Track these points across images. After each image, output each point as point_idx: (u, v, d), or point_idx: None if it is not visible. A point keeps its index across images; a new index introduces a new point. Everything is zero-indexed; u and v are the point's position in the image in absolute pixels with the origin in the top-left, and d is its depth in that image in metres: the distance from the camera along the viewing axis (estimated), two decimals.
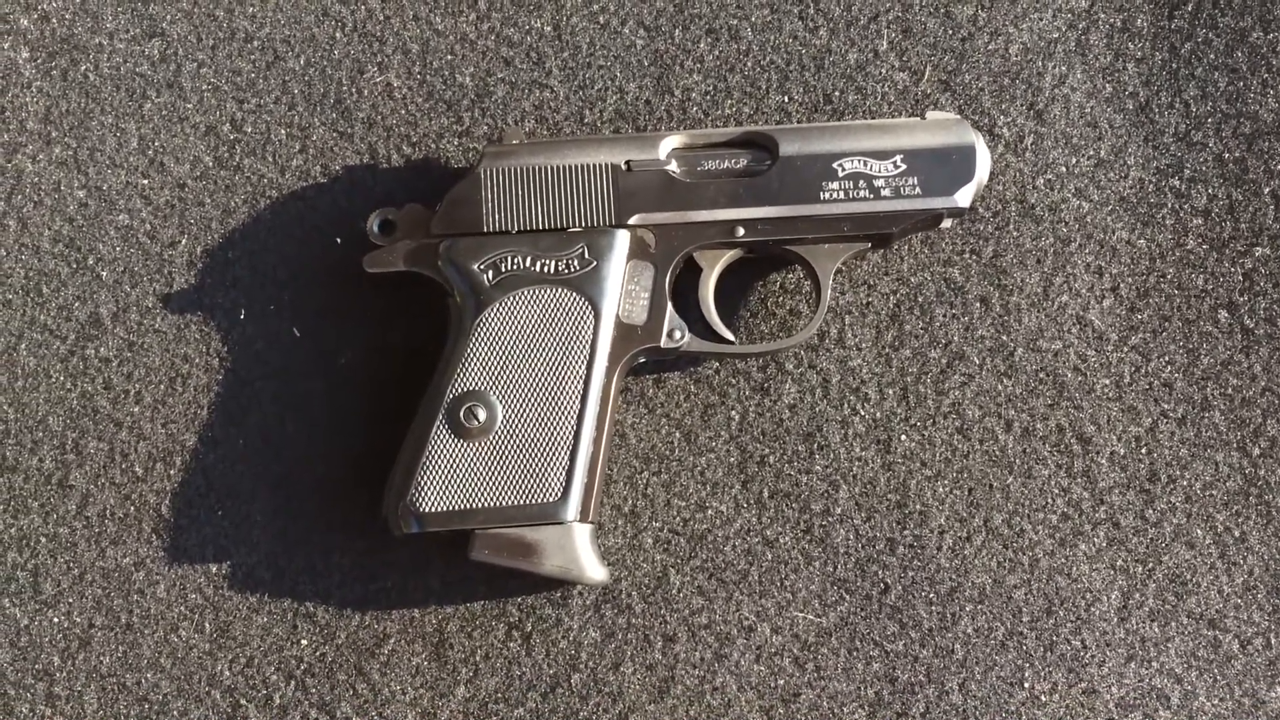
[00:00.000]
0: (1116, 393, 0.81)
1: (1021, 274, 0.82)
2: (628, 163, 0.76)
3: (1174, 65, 0.84)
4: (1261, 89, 0.84)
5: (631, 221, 0.75)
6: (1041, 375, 0.81)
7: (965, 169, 0.76)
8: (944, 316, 0.82)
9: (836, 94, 0.84)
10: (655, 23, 0.84)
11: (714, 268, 0.77)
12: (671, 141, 0.76)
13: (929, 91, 0.84)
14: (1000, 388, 0.81)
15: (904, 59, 0.84)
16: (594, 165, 0.75)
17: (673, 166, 0.76)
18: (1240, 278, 0.83)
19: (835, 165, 0.75)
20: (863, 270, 0.82)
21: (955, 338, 0.82)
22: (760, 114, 0.83)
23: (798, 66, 0.84)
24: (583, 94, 0.83)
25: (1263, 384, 0.82)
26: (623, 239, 0.75)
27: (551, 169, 0.75)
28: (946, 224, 0.78)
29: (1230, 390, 0.82)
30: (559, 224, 0.75)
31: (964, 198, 0.76)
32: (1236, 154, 0.83)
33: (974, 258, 0.83)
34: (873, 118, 0.83)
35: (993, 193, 0.83)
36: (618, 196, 0.75)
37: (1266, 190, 0.83)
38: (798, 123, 0.83)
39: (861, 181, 0.75)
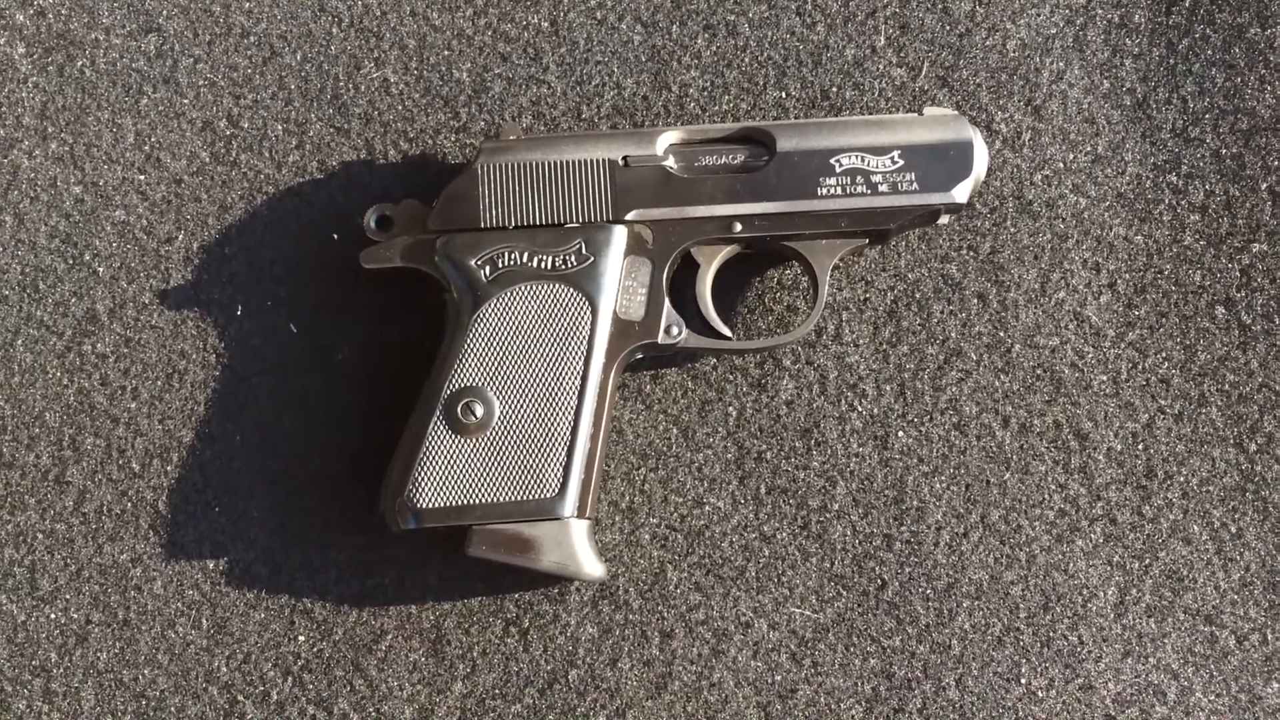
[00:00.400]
0: (1114, 389, 0.81)
1: (1019, 270, 0.82)
2: (625, 158, 0.75)
3: (1171, 61, 0.84)
4: (1259, 85, 0.84)
5: (629, 217, 0.75)
6: (1039, 371, 0.81)
7: (963, 165, 0.75)
8: (941, 313, 0.82)
9: (834, 90, 0.83)
10: (653, 19, 0.84)
11: (711, 263, 0.77)
12: (669, 137, 0.76)
13: (927, 87, 0.84)
14: (997, 384, 0.81)
15: (902, 55, 0.84)
16: (591, 161, 0.75)
17: (670, 162, 0.76)
18: (1237, 274, 0.83)
19: (833, 161, 0.75)
20: (860, 266, 0.82)
21: (952, 334, 0.82)
22: (758, 110, 0.83)
23: (795, 62, 0.84)
24: (580, 90, 0.83)
25: (1259, 380, 0.82)
26: (620, 234, 0.75)
27: (549, 165, 0.75)
28: (944, 220, 0.78)
29: (1227, 386, 0.82)
30: (556, 219, 0.75)
31: (961, 193, 0.76)
32: (1234, 150, 0.83)
33: (971, 254, 0.82)
34: (870, 114, 0.83)
35: (990, 189, 0.83)
36: (615, 192, 0.75)
37: (1264, 186, 0.83)
38: (795, 118, 0.83)
39: (859, 177, 0.75)
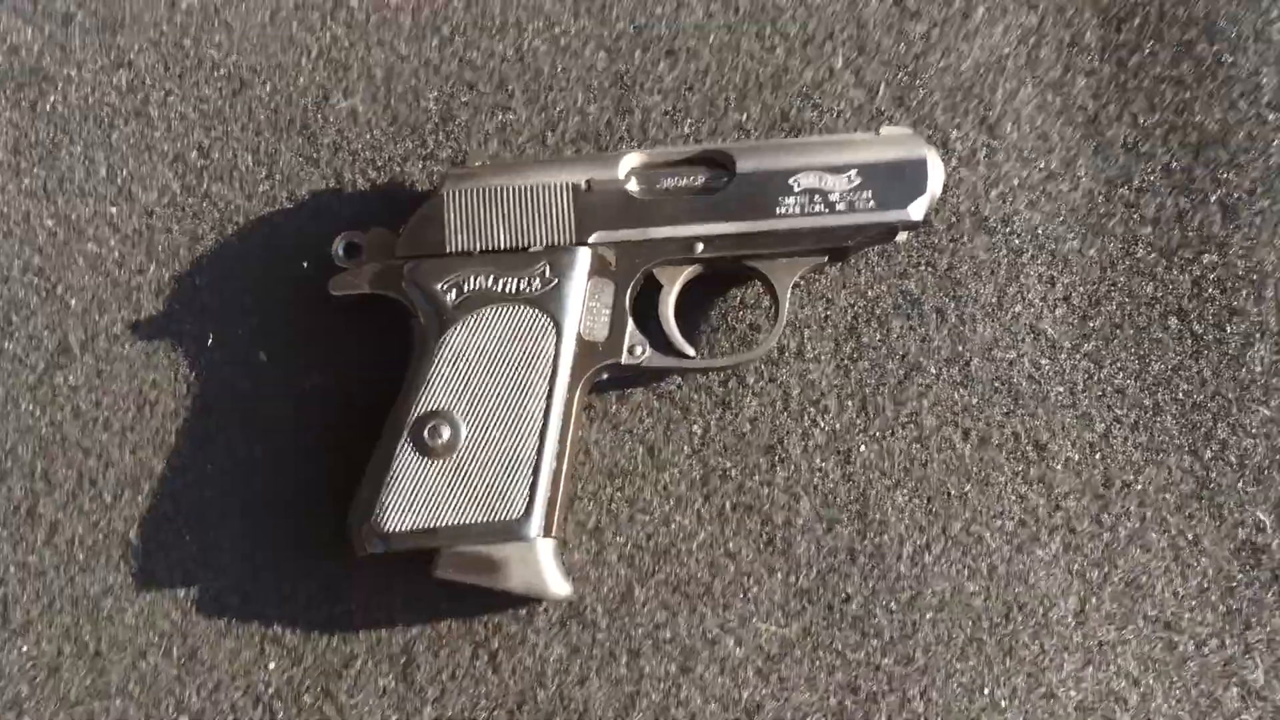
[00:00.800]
0: (1070, 400, 0.82)
1: (976, 285, 0.83)
2: (588, 182, 0.76)
3: (1122, 78, 0.86)
4: (1208, 99, 0.85)
5: (592, 239, 0.76)
6: (997, 384, 0.82)
7: (918, 182, 0.77)
8: (901, 328, 0.83)
9: (793, 111, 0.85)
10: (615, 45, 0.85)
11: (674, 284, 0.78)
12: (631, 160, 0.77)
13: (883, 108, 0.85)
14: (957, 397, 0.82)
15: (859, 76, 0.85)
16: (554, 185, 0.76)
17: (632, 185, 0.77)
18: (1189, 285, 0.84)
19: (791, 181, 0.76)
20: (820, 284, 0.83)
21: (912, 348, 0.83)
22: (719, 132, 0.85)
23: (755, 85, 0.85)
24: (545, 116, 0.85)
25: (1212, 388, 0.83)
26: (584, 257, 0.76)
27: (513, 189, 0.76)
28: (901, 237, 0.79)
29: (1181, 395, 0.82)
30: (521, 243, 0.76)
31: (917, 211, 0.77)
32: (1184, 163, 0.85)
33: (929, 270, 0.84)
34: (829, 134, 0.84)
35: (947, 206, 0.84)
36: (578, 215, 0.76)
37: (1213, 199, 0.85)
38: (755, 140, 0.84)
39: (817, 196, 0.76)
